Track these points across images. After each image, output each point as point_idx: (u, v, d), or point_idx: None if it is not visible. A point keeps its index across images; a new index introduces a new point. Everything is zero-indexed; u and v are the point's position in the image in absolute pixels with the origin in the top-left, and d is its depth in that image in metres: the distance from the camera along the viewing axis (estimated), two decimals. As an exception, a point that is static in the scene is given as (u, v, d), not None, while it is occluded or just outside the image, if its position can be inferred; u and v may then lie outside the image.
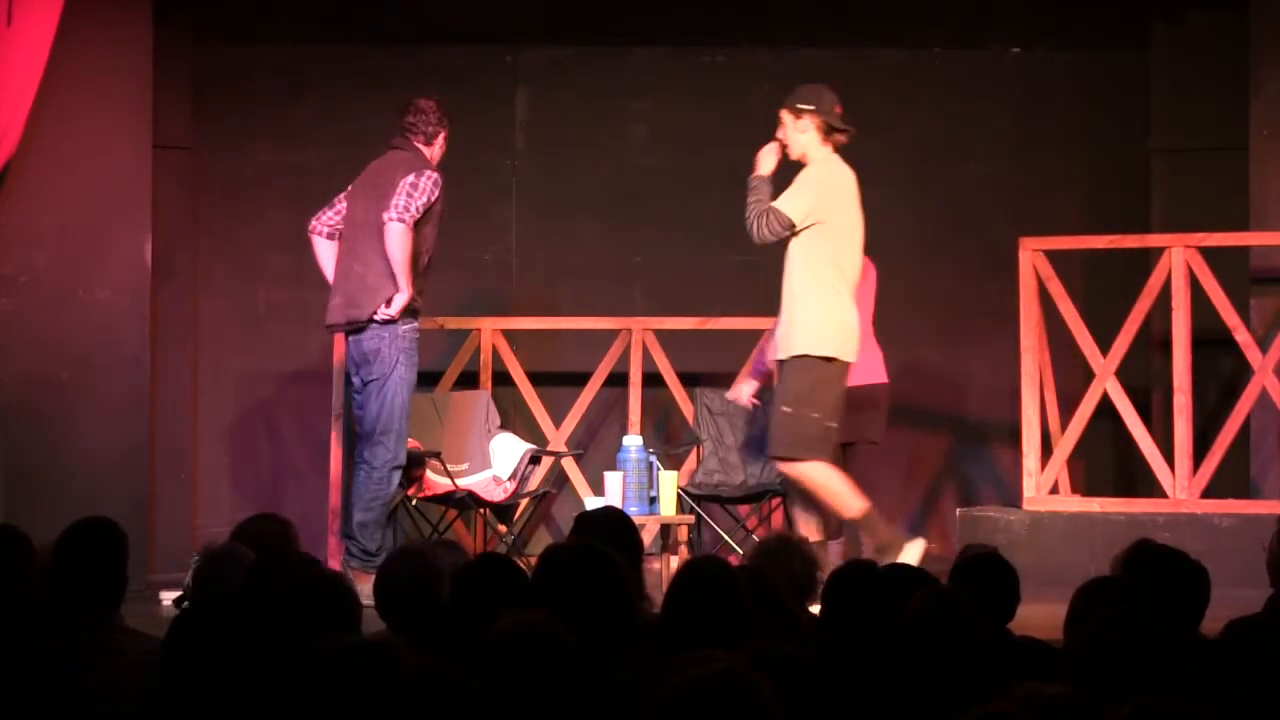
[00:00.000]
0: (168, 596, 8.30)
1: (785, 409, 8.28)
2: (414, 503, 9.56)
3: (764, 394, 9.31)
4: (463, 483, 9.69)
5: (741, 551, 9.35)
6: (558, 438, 10.51)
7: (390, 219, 8.66)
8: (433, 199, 8.75)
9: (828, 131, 8.45)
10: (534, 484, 10.12)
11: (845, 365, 8.32)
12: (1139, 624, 4.16)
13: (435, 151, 8.93)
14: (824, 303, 8.30)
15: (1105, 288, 10.59)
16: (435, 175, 8.79)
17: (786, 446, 8.31)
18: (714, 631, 4.42)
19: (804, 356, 8.28)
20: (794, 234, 8.32)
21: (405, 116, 8.94)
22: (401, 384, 8.80)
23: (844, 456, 8.89)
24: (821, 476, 8.26)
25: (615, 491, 9.01)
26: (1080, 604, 4.71)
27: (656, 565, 9.17)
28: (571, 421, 10.58)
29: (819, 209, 8.32)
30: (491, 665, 3.89)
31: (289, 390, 10.74)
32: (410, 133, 8.92)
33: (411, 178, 8.75)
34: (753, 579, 4.89)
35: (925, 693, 4.26)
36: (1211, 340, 9.86)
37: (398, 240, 8.66)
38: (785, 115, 8.49)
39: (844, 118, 8.49)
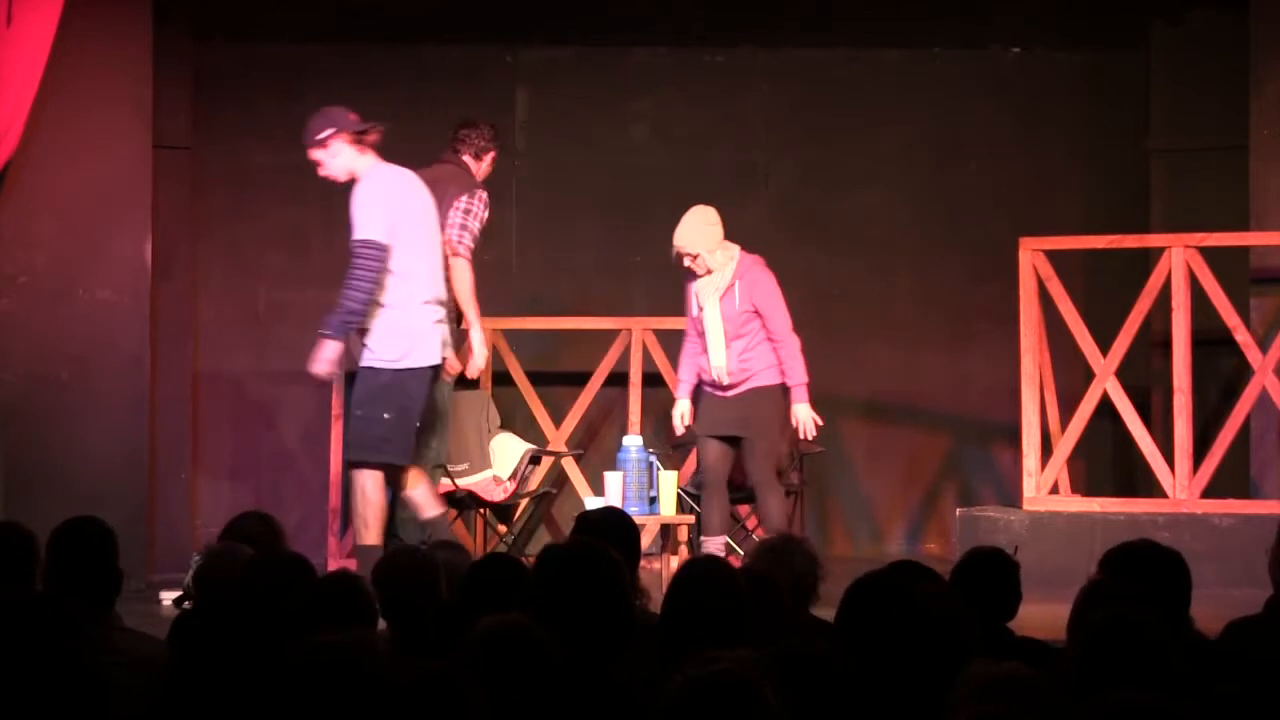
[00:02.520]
0: (168, 596, 8.29)
1: (357, 412, 8.44)
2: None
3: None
4: (463, 483, 9.69)
5: (741, 551, 9.34)
6: (558, 438, 10.51)
7: (455, 254, 8.68)
8: (484, 219, 8.82)
9: (357, 140, 8.43)
10: (534, 484, 10.12)
11: (423, 370, 8.42)
12: (1136, 625, 4.16)
13: (483, 169, 8.95)
14: (386, 316, 8.33)
15: (1105, 288, 10.59)
16: (484, 194, 8.84)
17: (357, 449, 8.46)
18: (714, 631, 4.41)
19: (369, 367, 8.38)
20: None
21: (459, 131, 8.96)
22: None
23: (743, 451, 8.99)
24: (368, 487, 8.36)
25: (615, 491, 9.01)
26: (1082, 605, 4.70)
27: (656, 565, 9.17)
28: (571, 421, 10.58)
29: (390, 221, 8.32)
30: (470, 668, 3.88)
31: (289, 390, 10.73)
32: (459, 147, 8.92)
33: (465, 198, 8.76)
34: (753, 579, 4.88)
35: (914, 688, 4.25)
36: (1211, 340, 9.85)
37: (461, 275, 8.74)
38: (314, 155, 8.46)
39: (361, 119, 8.46)
